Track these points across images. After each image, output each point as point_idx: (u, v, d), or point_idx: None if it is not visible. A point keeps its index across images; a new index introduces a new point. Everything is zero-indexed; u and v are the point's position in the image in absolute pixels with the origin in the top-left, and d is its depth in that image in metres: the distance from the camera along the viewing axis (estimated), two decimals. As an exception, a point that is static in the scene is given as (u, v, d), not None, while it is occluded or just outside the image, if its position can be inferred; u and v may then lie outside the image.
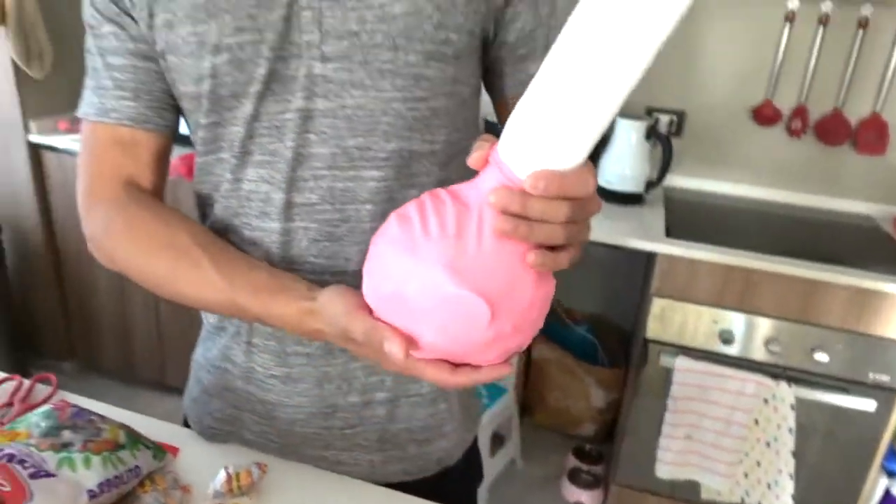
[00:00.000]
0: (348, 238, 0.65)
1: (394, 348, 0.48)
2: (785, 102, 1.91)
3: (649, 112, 2.01)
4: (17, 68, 2.05)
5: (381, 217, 0.64)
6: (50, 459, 0.61)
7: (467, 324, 0.46)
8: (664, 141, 1.82)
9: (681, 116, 2.01)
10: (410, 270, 0.46)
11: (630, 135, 1.81)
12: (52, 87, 2.17)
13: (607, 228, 1.67)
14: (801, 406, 1.54)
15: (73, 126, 2.19)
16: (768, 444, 1.57)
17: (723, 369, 1.56)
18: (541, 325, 0.50)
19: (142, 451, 0.68)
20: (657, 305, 1.61)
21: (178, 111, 0.69)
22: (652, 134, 1.83)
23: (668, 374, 1.62)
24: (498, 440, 1.99)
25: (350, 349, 0.55)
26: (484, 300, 0.45)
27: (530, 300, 0.47)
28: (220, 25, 0.59)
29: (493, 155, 0.46)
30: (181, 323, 2.21)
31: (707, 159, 2.04)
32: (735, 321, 1.57)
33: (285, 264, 0.65)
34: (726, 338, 1.57)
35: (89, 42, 0.66)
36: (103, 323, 2.33)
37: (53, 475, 0.60)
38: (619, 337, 2.21)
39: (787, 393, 1.51)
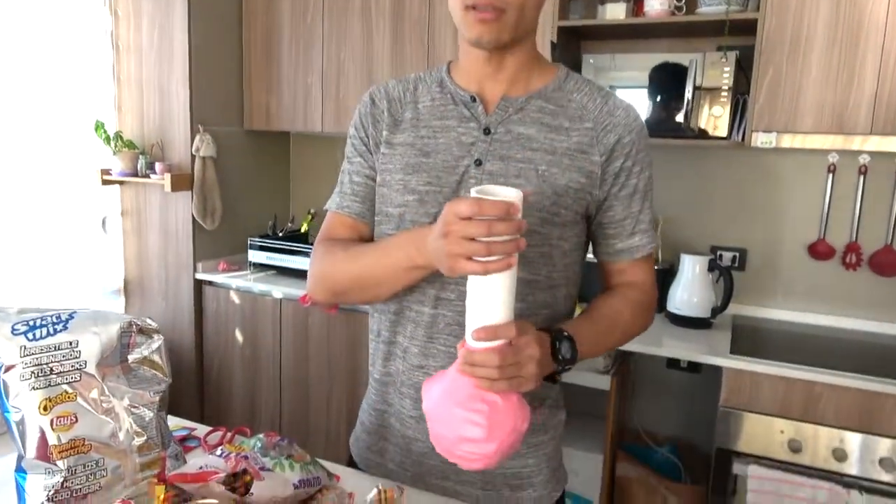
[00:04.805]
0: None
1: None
2: (838, 239, 2.14)
3: (713, 250, 2.29)
4: (194, 221, 2.63)
5: None
6: (268, 462, 0.92)
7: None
8: (725, 273, 2.08)
9: (743, 254, 2.27)
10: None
11: (694, 267, 2.08)
12: (218, 237, 2.74)
13: (677, 348, 1.90)
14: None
15: (229, 266, 2.71)
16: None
17: (794, 477, 1.67)
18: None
19: (320, 470, 0.97)
20: (726, 416, 1.78)
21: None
22: (715, 267, 2.09)
23: (743, 483, 1.74)
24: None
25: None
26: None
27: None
28: (417, 179, 0.96)
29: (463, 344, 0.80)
30: (299, 414, 2.53)
31: (769, 290, 2.26)
32: (801, 431, 1.70)
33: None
34: (795, 447, 1.70)
35: (344, 165, 1.05)
36: (231, 417, 2.73)
37: (271, 470, 0.90)
38: (701, 457, 2.31)
39: (860, 502, 1.60)
